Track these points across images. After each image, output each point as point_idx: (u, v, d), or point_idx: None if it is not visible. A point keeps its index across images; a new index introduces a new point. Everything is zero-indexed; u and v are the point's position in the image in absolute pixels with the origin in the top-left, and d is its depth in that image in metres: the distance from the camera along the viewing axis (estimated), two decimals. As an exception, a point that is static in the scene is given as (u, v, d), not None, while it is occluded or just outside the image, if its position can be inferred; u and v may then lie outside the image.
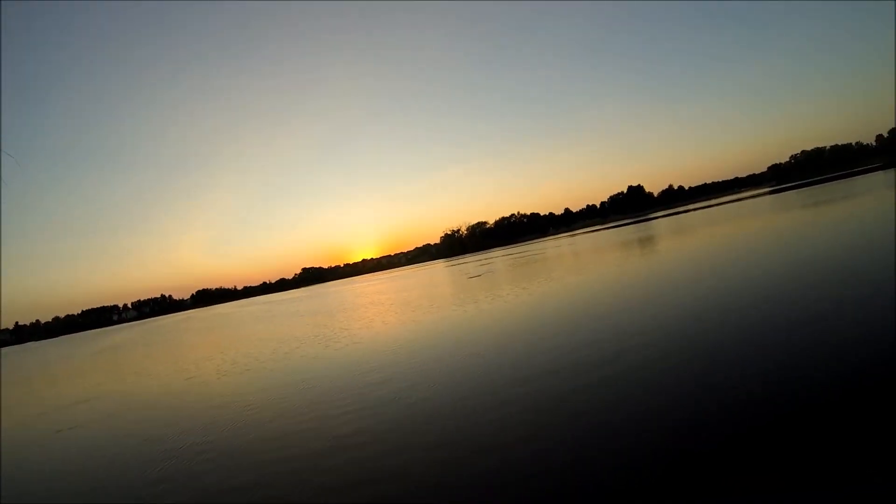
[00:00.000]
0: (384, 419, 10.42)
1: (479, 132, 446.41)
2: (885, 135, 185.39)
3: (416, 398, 11.51)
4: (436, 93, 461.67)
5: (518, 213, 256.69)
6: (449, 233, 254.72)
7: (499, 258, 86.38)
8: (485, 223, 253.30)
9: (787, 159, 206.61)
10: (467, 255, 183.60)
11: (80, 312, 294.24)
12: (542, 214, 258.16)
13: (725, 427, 7.00)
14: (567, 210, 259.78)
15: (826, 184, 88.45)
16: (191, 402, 16.42)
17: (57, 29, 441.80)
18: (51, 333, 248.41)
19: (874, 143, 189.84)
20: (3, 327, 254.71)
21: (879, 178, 70.13)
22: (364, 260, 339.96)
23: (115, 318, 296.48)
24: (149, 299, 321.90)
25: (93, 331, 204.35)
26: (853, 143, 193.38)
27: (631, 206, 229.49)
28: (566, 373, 10.99)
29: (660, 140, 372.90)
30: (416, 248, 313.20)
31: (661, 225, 76.55)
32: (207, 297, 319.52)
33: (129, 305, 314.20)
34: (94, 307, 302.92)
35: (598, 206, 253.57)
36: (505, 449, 7.71)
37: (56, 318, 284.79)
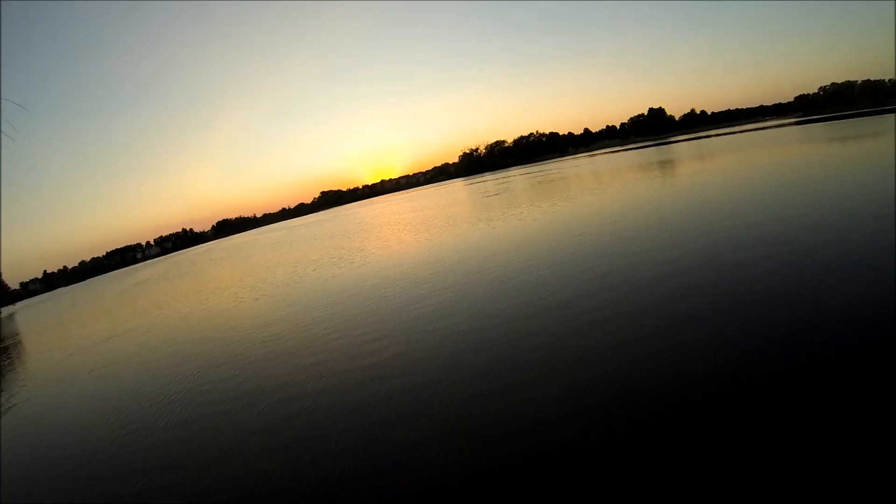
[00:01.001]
0: (397, 340, 10.20)
1: (499, 50, 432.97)
2: None
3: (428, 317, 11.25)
4: (454, 9, 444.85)
5: (537, 132, 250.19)
6: (467, 152, 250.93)
7: (517, 177, 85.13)
8: (503, 142, 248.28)
9: (816, 90, 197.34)
10: (486, 173, 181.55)
11: (104, 254, 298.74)
12: (561, 134, 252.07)
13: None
14: (587, 130, 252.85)
15: (855, 118, 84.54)
16: (210, 333, 16.39)
17: None
18: (79, 277, 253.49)
19: None
20: (31, 277, 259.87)
21: None
22: (383, 181, 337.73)
23: (139, 255, 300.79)
24: (170, 234, 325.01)
25: (118, 270, 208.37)
26: (886, 80, 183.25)
27: (651, 128, 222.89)
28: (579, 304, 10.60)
29: (683, 63, 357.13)
30: (435, 167, 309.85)
31: (681, 149, 74.24)
32: (228, 227, 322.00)
33: (152, 242, 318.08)
34: (118, 248, 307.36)
35: (619, 128, 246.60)
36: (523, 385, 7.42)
37: (82, 262, 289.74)
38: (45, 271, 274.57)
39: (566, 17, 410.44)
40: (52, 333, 30.80)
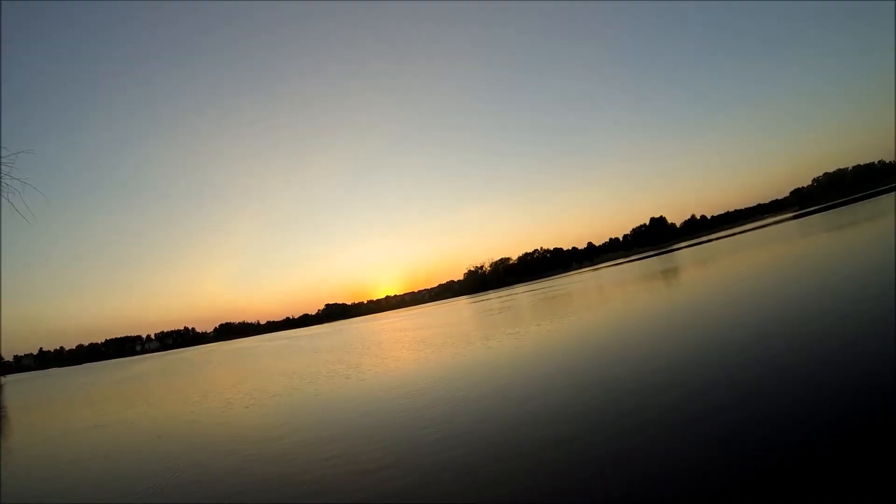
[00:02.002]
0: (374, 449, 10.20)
1: (501, 168, 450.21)
2: None
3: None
4: (457, 130, 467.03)
5: (541, 248, 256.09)
6: (472, 269, 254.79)
7: (521, 294, 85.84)
8: (508, 259, 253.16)
9: (810, 182, 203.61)
10: (490, 291, 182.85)
11: (103, 341, 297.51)
12: (564, 249, 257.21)
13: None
14: (590, 244, 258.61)
15: (850, 205, 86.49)
16: (188, 435, 16.32)
17: (75, 58, 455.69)
18: (74, 360, 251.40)
19: (895, 160, 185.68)
20: (26, 352, 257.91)
21: None
22: (388, 296, 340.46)
23: (138, 348, 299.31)
24: (171, 331, 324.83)
25: (115, 360, 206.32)
26: (875, 162, 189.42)
27: (654, 237, 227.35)
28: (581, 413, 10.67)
29: (681, 171, 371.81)
30: (440, 284, 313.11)
31: (684, 256, 75.62)
32: (230, 331, 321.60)
33: (153, 336, 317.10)
34: (118, 337, 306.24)
35: (621, 239, 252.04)
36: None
37: (80, 346, 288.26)
38: (40, 348, 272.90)
39: (565, 134, 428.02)
40: (40, 414, 30.44)
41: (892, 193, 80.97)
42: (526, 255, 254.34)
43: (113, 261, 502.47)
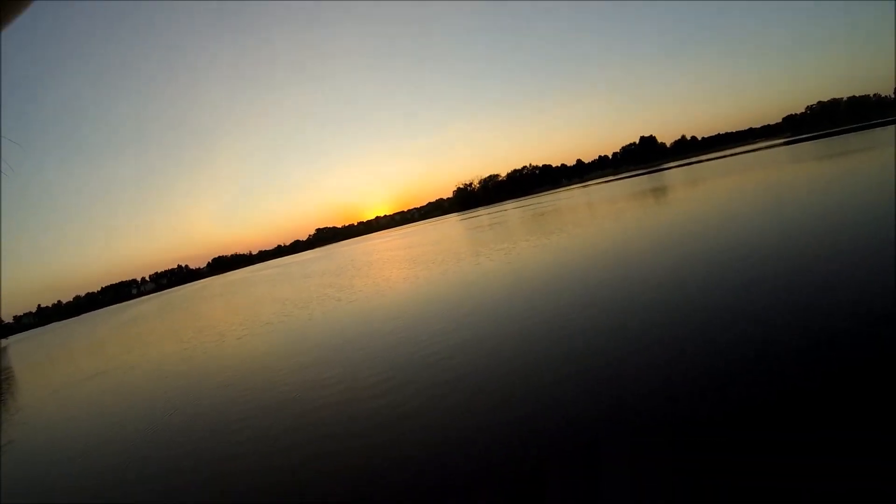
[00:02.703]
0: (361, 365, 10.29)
1: (491, 85, 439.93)
2: None
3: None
4: (446, 46, 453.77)
5: (530, 165, 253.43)
6: (461, 186, 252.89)
7: (511, 210, 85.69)
8: (497, 176, 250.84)
9: (803, 110, 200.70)
10: (480, 208, 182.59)
11: (99, 289, 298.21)
12: (554, 166, 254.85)
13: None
14: (579, 161, 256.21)
15: (842, 136, 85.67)
16: (184, 372, 16.49)
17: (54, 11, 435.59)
18: (73, 312, 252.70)
19: (893, 96, 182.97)
20: (25, 311, 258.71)
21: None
22: (378, 217, 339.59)
23: (135, 291, 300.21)
24: (166, 271, 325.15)
25: (113, 306, 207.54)
26: (871, 95, 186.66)
27: (643, 156, 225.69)
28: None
29: (673, 91, 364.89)
30: (430, 203, 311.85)
31: (674, 176, 75.16)
32: (223, 264, 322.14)
33: (147, 278, 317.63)
34: (113, 283, 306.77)
35: (611, 157, 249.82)
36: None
37: (77, 297, 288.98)
38: (39, 305, 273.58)
39: (557, 52, 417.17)
40: (42, 370, 30.74)
41: (887, 127, 79.40)
42: (515, 171, 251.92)
43: (102, 208, 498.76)
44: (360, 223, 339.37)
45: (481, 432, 6.69)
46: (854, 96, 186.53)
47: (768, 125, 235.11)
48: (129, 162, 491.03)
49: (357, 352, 12.64)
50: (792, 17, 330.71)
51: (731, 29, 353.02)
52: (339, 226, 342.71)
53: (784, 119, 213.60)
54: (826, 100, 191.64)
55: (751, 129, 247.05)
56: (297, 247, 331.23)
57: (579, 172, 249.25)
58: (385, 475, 6.16)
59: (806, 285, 9.46)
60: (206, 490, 7.14)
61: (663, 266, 14.37)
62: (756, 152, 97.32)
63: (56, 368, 29.47)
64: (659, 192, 47.62)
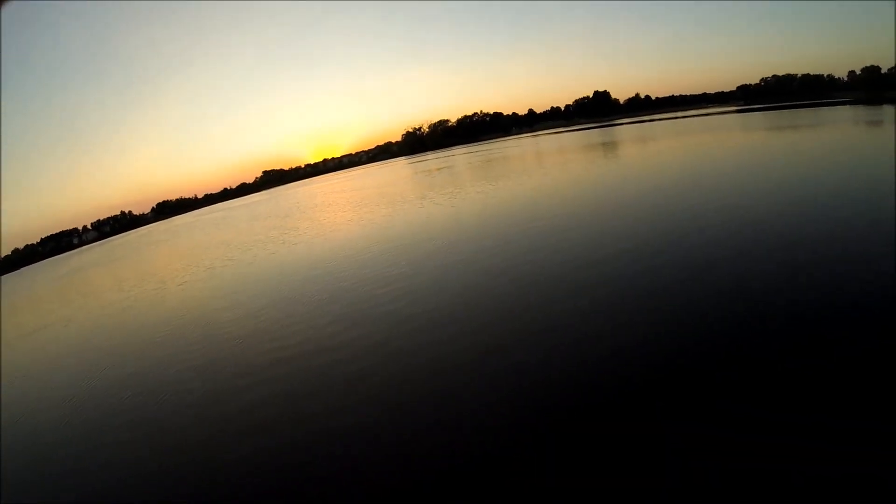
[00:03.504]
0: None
1: (445, 30, 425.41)
2: (858, 72, 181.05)
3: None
4: None
5: (481, 111, 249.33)
6: (410, 130, 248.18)
7: (459, 156, 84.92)
8: (446, 121, 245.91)
9: (758, 81, 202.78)
10: (429, 153, 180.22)
11: (38, 241, 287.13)
12: (505, 114, 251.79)
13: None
14: (531, 111, 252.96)
15: (792, 110, 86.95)
16: (123, 324, 16.15)
17: None
18: (10, 267, 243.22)
19: (845, 79, 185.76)
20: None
21: (846, 112, 68.29)
22: (325, 160, 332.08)
23: (76, 241, 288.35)
24: (108, 218, 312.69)
25: (54, 257, 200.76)
26: (825, 75, 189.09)
27: (596, 111, 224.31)
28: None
29: (629, 49, 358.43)
30: (378, 146, 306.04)
31: (624, 131, 75.36)
32: (169, 209, 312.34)
33: (89, 226, 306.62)
34: (53, 233, 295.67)
35: (563, 109, 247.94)
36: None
37: (15, 251, 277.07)
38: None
39: (517, 1, 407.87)
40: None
41: (836, 108, 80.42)
42: (465, 117, 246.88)
43: (34, 152, 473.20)
44: (308, 165, 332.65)
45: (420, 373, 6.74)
46: (808, 74, 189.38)
47: (722, 92, 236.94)
48: (66, 100, 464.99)
49: (293, 294, 12.55)
50: None
51: None
52: (286, 168, 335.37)
53: (738, 88, 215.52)
54: (781, 74, 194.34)
55: (705, 94, 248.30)
56: (243, 189, 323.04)
57: (530, 122, 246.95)
58: (325, 426, 6.19)
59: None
60: (134, 448, 7.07)
61: (597, 216, 14.58)
62: (707, 117, 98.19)
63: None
64: (603, 146, 47.92)
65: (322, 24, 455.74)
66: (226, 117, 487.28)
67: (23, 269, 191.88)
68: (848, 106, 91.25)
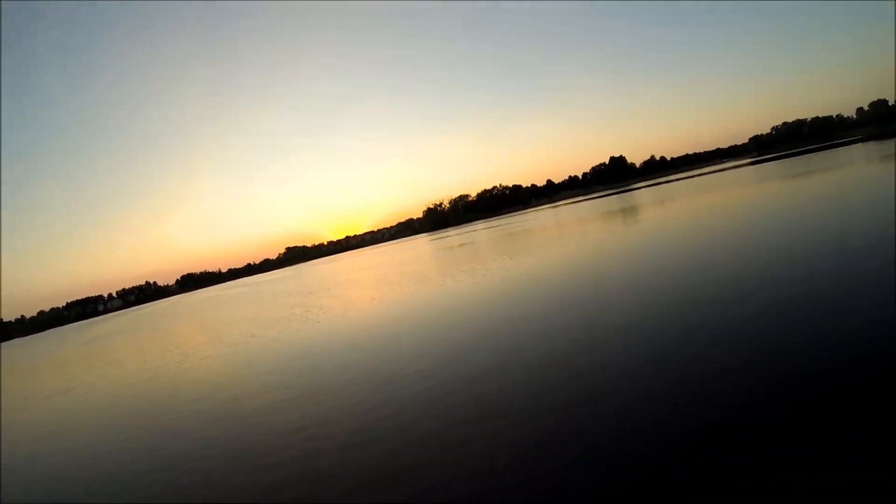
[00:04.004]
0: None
1: (461, 104, 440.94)
2: (866, 108, 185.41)
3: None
4: (417, 66, 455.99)
5: (500, 185, 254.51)
6: (431, 207, 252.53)
7: (481, 231, 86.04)
8: (467, 196, 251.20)
9: (769, 130, 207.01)
10: (450, 228, 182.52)
11: (64, 305, 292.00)
12: (524, 186, 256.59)
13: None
14: (549, 182, 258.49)
15: (806, 155, 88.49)
16: (144, 393, 16.40)
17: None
18: (37, 328, 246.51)
19: (854, 116, 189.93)
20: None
21: (858, 150, 69.72)
22: (347, 237, 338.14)
23: (101, 308, 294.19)
24: (133, 287, 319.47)
25: (78, 323, 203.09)
26: (834, 116, 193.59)
27: (613, 176, 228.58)
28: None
29: (642, 112, 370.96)
30: (400, 223, 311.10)
31: (643, 195, 76.37)
32: (193, 282, 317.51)
33: (114, 294, 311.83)
34: (79, 299, 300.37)
35: (581, 178, 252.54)
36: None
37: (41, 313, 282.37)
38: (0, 319, 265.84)
39: (527, 73, 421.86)
40: (3, 386, 30.17)
41: (850, 147, 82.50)
42: (485, 191, 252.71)
43: (66, 222, 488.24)
44: (330, 243, 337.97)
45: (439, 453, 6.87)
46: (818, 117, 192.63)
47: (735, 145, 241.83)
48: (97, 173, 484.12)
49: (317, 373, 12.75)
50: (757, 42, 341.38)
51: (698, 52, 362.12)
52: (310, 245, 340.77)
53: (751, 139, 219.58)
54: (791, 120, 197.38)
55: (718, 149, 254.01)
56: (267, 265, 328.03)
57: (549, 192, 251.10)
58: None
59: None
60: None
61: (625, 285, 14.73)
62: (723, 172, 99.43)
63: (17, 385, 28.90)
64: (625, 211, 48.58)
65: (347, 104, 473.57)
66: (254, 194, 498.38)
67: (48, 331, 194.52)
68: (860, 144, 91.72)
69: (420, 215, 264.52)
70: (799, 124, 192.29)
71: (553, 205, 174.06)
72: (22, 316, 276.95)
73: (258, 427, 9.81)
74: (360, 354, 13.82)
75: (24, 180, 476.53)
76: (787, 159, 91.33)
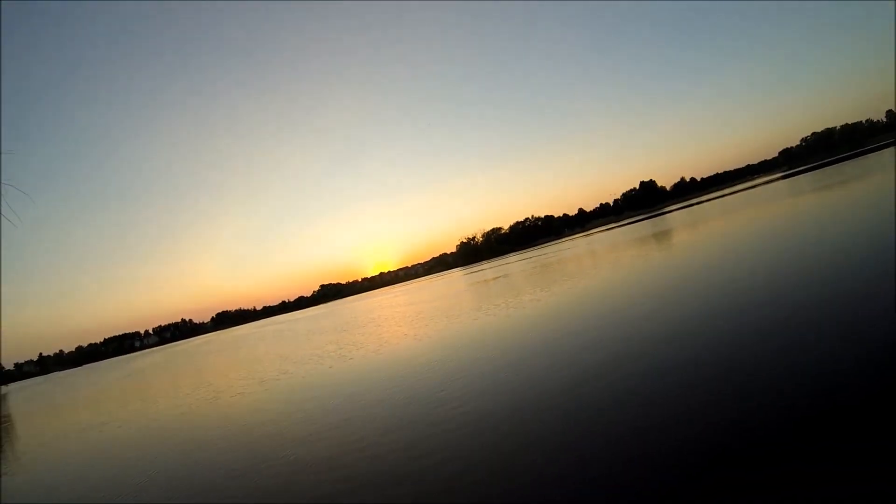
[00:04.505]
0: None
1: (490, 138, 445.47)
2: (895, 109, 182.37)
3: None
4: (444, 100, 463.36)
5: (532, 216, 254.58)
6: (464, 241, 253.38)
7: (515, 263, 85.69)
8: (499, 229, 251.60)
9: (798, 142, 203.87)
10: (484, 262, 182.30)
11: (102, 341, 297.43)
12: (555, 216, 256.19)
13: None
14: (581, 210, 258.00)
15: (838, 164, 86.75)
16: (176, 429, 16.36)
17: (61, 56, 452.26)
18: (75, 362, 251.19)
19: (884, 119, 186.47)
20: (27, 359, 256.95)
21: (890, 155, 68.33)
22: (381, 273, 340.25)
23: (137, 344, 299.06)
24: (169, 324, 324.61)
25: (115, 358, 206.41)
26: (863, 121, 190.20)
27: (644, 201, 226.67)
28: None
29: (669, 134, 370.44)
30: (433, 258, 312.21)
31: (676, 218, 75.51)
32: (227, 319, 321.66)
33: (151, 331, 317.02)
34: (116, 335, 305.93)
35: (612, 204, 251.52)
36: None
37: (79, 348, 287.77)
38: (40, 354, 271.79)
39: (552, 103, 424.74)
40: (39, 420, 30.63)
41: (882, 152, 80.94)
42: (517, 223, 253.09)
43: (105, 259, 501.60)
44: (364, 279, 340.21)
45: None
46: (847, 124, 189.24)
47: (765, 160, 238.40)
48: (136, 212, 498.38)
49: (351, 409, 12.53)
50: (778, 52, 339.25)
51: (723, 67, 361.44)
52: (343, 282, 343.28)
53: (780, 153, 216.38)
54: (820, 130, 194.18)
55: (748, 165, 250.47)
56: (301, 303, 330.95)
57: (581, 221, 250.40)
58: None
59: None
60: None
61: (664, 315, 14.21)
62: (755, 189, 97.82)
63: (54, 420, 29.28)
64: (661, 236, 47.65)
65: (376, 140, 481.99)
66: (287, 232, 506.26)
67: (86, 365, 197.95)
68: (893, 147, 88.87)
69: (454, 250, 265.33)
70: (828, 133, 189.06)
71: (586, 233, 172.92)
72: (61, 350, 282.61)
73: (286, 461, 9.62)
74: (393, 387, 13.64)
75: (68, 223, 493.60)
76: (818, 171, 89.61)
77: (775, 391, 7.21)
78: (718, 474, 5.50)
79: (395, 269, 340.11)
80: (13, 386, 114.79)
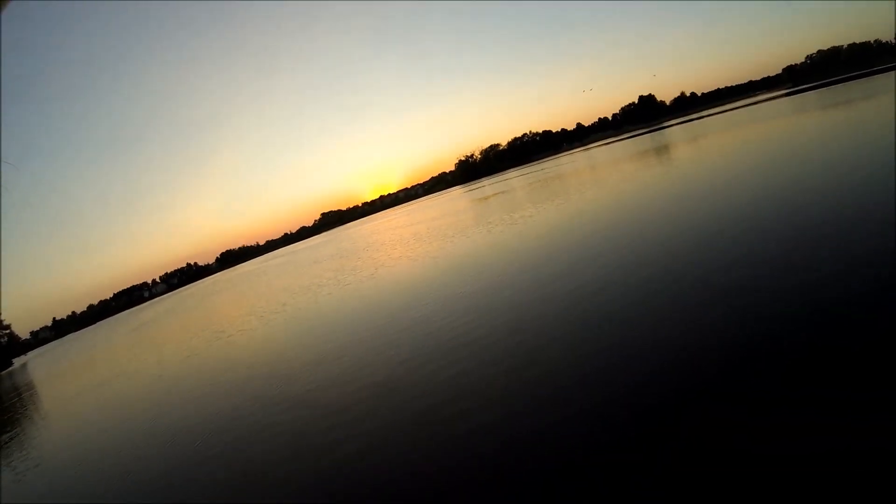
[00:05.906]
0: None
1: (486, 54, 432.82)
2: None
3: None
4: (439, 18, 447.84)
5: (530, 132, 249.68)
6: (463, 159, 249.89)
7: (514, 179, 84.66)
8: (498, 145, 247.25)
9: (803, 60, 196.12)
10: (483, 179, 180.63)
11: (111, 296, 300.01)
12: (554, 131, 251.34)
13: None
14: (579, 125, 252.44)
15: (844, 83, 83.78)
16: (185, 370, 16.24)
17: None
18: (88, 321, 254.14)
19: (893, 41, 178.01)
20: (42, 325, 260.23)
21: None
22: (382, 196, 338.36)
23: (146, 294, 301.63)
24: (176, 270, 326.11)
25: (126, 311, 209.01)
26: (872, 41, 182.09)
27: (644, 115, 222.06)
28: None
29: (670, 48, 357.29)
30: (433, 177, 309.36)
31: (675, 133, 73.67)
32: (232, 258, 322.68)
33: (158, 280, 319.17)
34: (125, 288, 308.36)
35: (611, 119, 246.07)
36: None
37: (90, 306, 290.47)
38: (54, 318, 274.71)
39: (551, 17, 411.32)
40: (58, 382, 31.03)
41: (889, 73, 77.10)
42: (515, 139, 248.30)
43: (106, 214, 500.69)
44: (365, 204, 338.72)
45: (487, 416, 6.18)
46: (854, 43, 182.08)
47: (768, 77, 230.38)
48: (127, 162, 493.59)
49: (353, 331, 12.25)
50: None
51: None
52: (344, 208, 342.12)
53: (784, 70, 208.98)
54: (826, 48, 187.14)
55: (751, 81, 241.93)
56: (303, 233, 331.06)
57: (580, 136, 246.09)
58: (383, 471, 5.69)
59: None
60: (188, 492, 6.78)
61: (656, 232, 13.55)
62: (757, 105, 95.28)
63: (70, 380, 29.59)
64: (660, 151, 46.41)
65: (370, 64, 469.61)
66: (282, 164, 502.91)
67: (99, 322, 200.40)
68: None
69: (452, 168, 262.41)
70: (834, 52, 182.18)
71: (585, 148, 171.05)
72: (73, 312, 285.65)
73: (301, 391, 9.34)
74: (388, 307, 13.41)
75: (60, 185, 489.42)
76: (824, 88, 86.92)
77: (774, 320, 6.57)
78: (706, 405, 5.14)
79: (395, 191, 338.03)
80: (31, 353, 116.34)
